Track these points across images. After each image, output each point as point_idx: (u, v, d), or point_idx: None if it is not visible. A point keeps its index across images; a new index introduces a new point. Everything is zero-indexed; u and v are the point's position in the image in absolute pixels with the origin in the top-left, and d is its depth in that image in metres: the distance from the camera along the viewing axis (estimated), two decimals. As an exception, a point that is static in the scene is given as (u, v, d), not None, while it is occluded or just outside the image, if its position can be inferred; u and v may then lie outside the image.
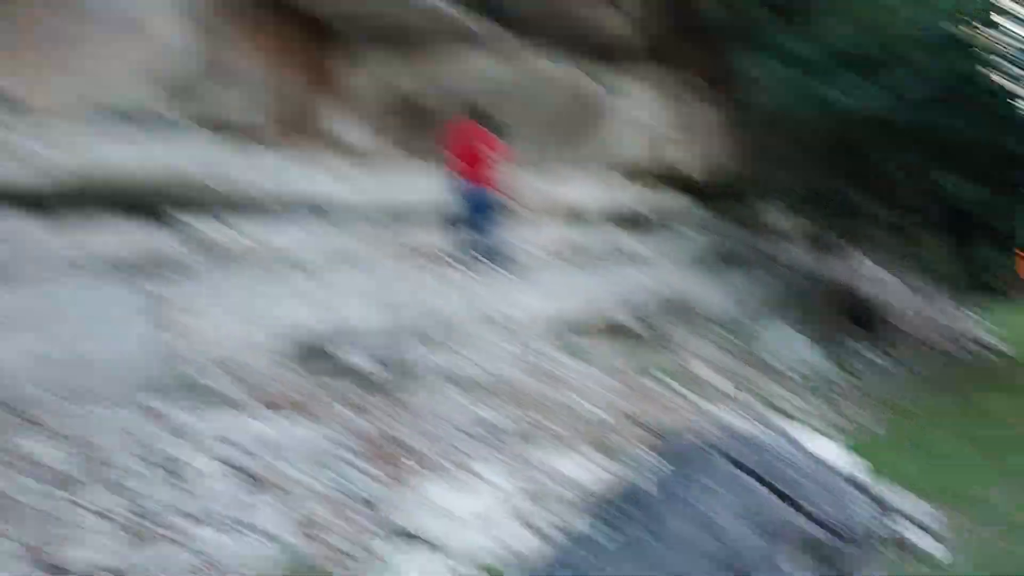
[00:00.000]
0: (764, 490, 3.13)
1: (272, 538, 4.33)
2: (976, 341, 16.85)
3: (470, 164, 8.86)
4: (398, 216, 8.60)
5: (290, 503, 4.70)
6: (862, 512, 3.59)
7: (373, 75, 8.72)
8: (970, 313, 22.70)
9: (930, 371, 13.05)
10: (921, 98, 9.23)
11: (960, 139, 10.22)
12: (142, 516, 4.26)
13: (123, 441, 4.83)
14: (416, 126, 9.35)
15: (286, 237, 7.37)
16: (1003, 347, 16.42)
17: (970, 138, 10.17)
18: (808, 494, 3.27)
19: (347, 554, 4.37)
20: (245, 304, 6.41)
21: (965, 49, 9.76)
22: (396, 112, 9.06)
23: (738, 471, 3.21)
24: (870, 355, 13.28)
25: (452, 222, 8.83)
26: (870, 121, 10.10)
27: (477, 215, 8.92)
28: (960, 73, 9.28)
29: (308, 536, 4.46)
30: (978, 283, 25.01)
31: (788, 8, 10.99)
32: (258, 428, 5.34)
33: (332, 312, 6.74)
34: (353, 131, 8.70)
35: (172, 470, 4.71)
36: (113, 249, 6.13)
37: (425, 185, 8.98)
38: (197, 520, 4.35)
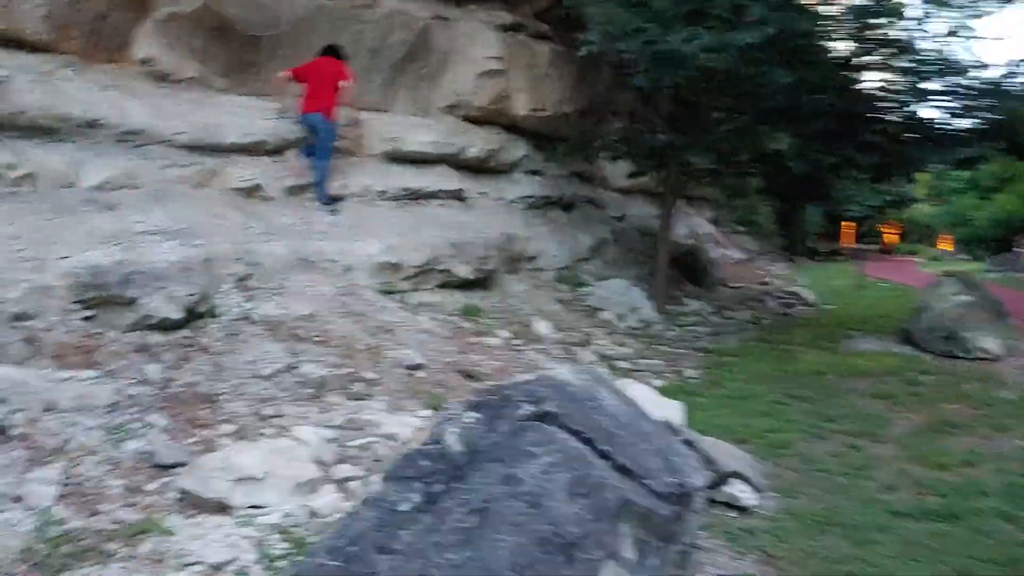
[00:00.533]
0: (586, 449, 2.84)
1: (31, 509, 3.76)
2: (792, 295, 17.56)
3: (319, 95, 8.70)
4: (214, 149, 7.92)
5: (61, 468, 4.12)
6: (687, 468, 3.36)
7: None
8: (792, 271, 23.87)
9: (749, 321, 13.47)
10: (757, 53, 9.23)
11: (796, 103, 10.40)
12: None
13: None
14: (239, 54, 8.69)
15: (82, 167, 6.59)
16: (812, 300, 17.23)
17: (807, 103, 10.36)
18: (635, 454, 3.02)
19: (125, 524, 3.85)
20: (28, 240, 5.65)
21: (801, 7, 9.87)
22: (217, 38, 8.31)
23: (559, 429, 2.90)
24: (697, 306, 13.59)
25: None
26: (708, 73, 10.12)
27: (318, 147, 8.74)
28: (797, 30, 9.35)
29: (78, 506, 3.91)
30: (801, 247, 26.45)
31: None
32: (34, 382, 4.68)
33: (130, 251, 6.08)
34: (169, 56, 7.90)
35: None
36: None
37: (246, 117, 8.37)
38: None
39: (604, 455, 2.89)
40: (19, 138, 6.27)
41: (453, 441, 2.97)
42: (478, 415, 3.10)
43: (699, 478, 3.55)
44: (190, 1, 7.95)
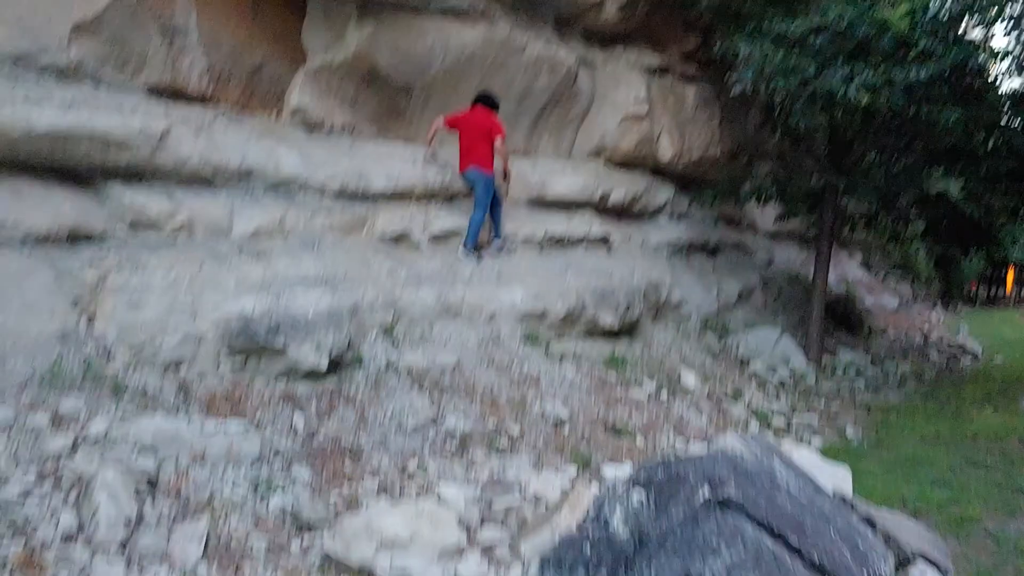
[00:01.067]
0: (776, 545, 2.48)
1: (178, 568, 3.66)
2: (956, 346, 16.40)
3: (474, 149, 8.72)
4: (363, 196, 7.94)
5: (206, 523, 4.02)
6: (874, 555, 2.95)
7: (346, 45, 8.02)
8: (952, 319, 22.44)
9: (912, 375, 12.60)
10: (924, 91, 8.66)
11: (967, 142, 9.73)
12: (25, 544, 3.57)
13: (10, 445, 4.12)
14: (389, 101, 8.75)
15: (236, 215, 6.67)
16: (978, 351, 16.03)
17: (979, 142, 9.69)
18: (825, 545, 2.63)
19: (268, 588, 3.70)
20: (179, 288, 5.71)
21: (967, 42, 9.21)
22: (368, 86, 8.38)
23: (743, 520, 2.55)
24: (852, 357, 12.81)
25: (482, 208, 8.70)
26: (868, 113, 9.58)
27: (476, 200, 8.73)
28: (970, 66, 8.71)
29: (223, 566, 3.78)
30: (960, 292, 24.92)
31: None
32: (185, 432, 4.65)
33: (279, 299, 6.06)
34: (320, 104, 8.00)
35: (71, 487, 4.01)
36: (34, 221, 5.39)
37: (394, 164, 8.36)
38: (88, 546, 3.67)
39: (794, 550, 2.52)
40: (178, 187, 6.39)
41: (618, 525, 2.66)
42: (645, 494, 2.78)
43: (886, 567, 3.13)
44: (342, 51, 8.04)
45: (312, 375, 5.94)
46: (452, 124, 8.77)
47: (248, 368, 5.74)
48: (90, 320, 5.36)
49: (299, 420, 5.44)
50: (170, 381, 5.27)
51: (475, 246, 8.70)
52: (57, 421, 4.45)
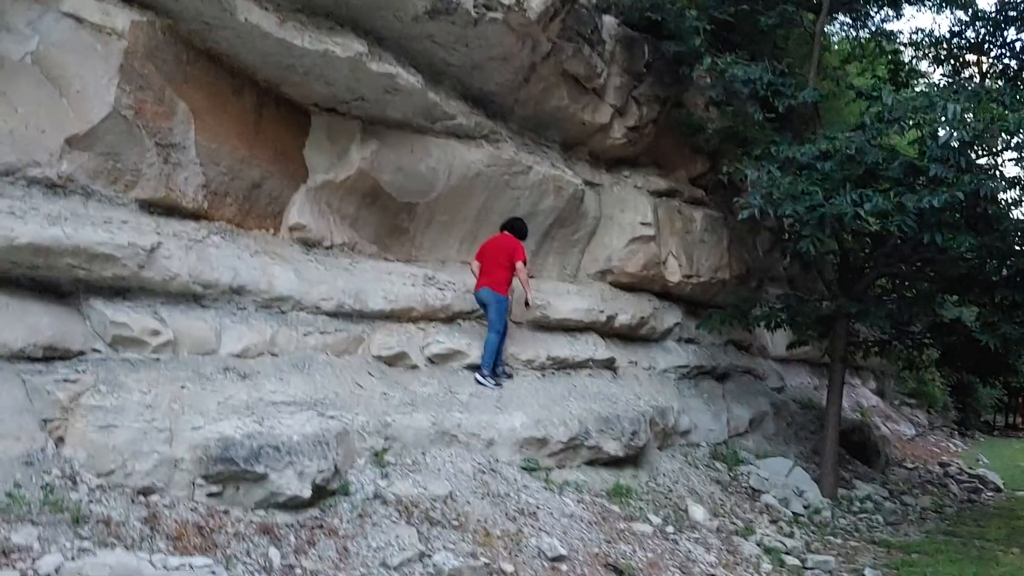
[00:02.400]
0: None
1: None
2: (976, 478, 15.82)
3: (489, 270, 8.64)
4: (359, 316, 7.76)
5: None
6: None
7: (349, 163, 7.97)
8: (970, 447, 21.84)
9: (932, 509, 12.05)
10: (935, 217, 8.52)
11: (981, 269, 9.57)
12: None
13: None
14: (391, 220, 8.71)
15: (224, 333, 6.44)
16: (1000, 484, 15.44)
17: (993, 270, 9.54)
18: None
19: None
20: (157, 409, 5.43)
21: (979, 168, 9.13)
22: (370, 204, 8.31)
23: None
24: (869, 489, 12.29)
25: (496, 330, 8.56)
26: (879, 238, 9.43)
27: (489, 321, 8.61)
28: (977, 193, 8.58)
29: None
30: (977, 420, 24.45)
31: (790, 117, 10.48)
32: (146, 570, 4.27)
33: (263, 422, 5.78)
34: (319, 222, 7.89)
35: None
36: (8, 335, 5.16)
37: (393, 282, 8.21)
38: None
39: None
40: (165, 303, 6.17)
41: None
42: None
43: None
44: (345, 168, 7.97)
45: (294, 504, 5.58)
46: (479, 255, 8.80)
47: (225, 496, 5.40)
48: (59, 442, 5.06)
49: (275, 555, 5.06)
50: (138, 510, 4.92)
51: (493, 371, 8.50)
52: (6, 555, 4.10)
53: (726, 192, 12.26)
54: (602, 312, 10.52)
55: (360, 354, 7.65)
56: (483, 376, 8.34)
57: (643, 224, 11.00)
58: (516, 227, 9.00)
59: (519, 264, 8.61)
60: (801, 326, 11.74)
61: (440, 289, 8.64)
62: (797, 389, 15.62)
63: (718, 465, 10.65)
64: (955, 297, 11.33)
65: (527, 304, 8.95)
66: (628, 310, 10.98)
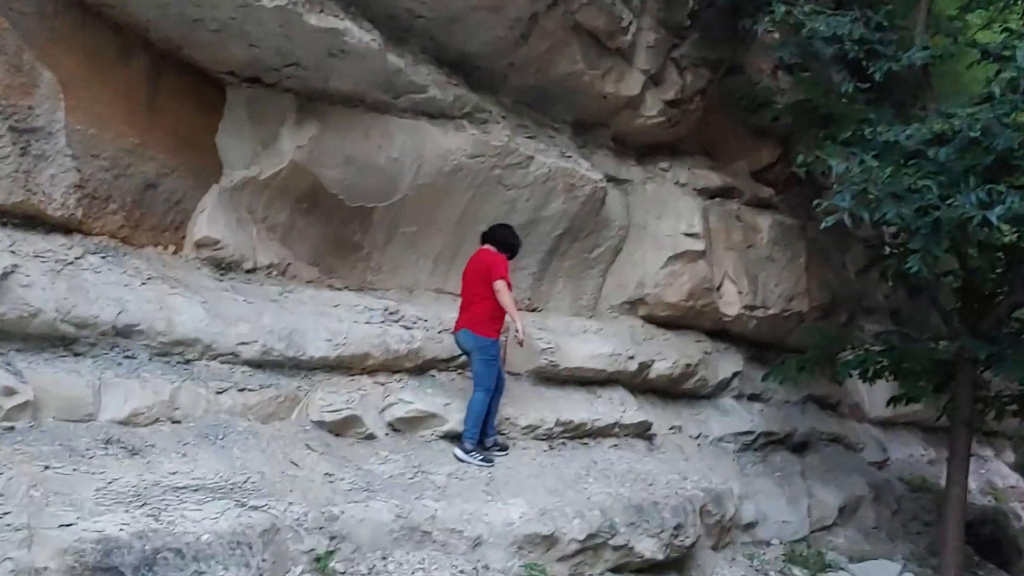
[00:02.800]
0: None
1: None
2: None
3: (465, 304, 8.73)
4: (294, 366, 7.84)
5: None
6: None
7: (279, 153, 8.03)
8: None
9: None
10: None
11: None
12: None
13: None
14: (338, 232, 8.80)
15: (105, 392, 6.47)
16: None
17: None
18: None
19: None
20: (11, 499, 5.42)
21: None
22: (309, 211, 8.36)
23: None
24: (1005, 604, 12.32)
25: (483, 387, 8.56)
26: (1012, 251, 9.47)
27: (473, 374, 8.68)
28: None
29: None
30: None
31: (890, 87, 10.53)
32: None
33: (160, 516, 5.79)
34: (238, 236, 7.94)
35: None
36: None
37: (342, 319, 8.31)
38: None
39: None
40: (23, 351, 6.18)
41: None
42: None
43: None
44: (273, 162, 8.04)
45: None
46: (463, 279, 8.91)
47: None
48: None
49: None
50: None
51: (480, 442, 8.54)
52: None
53: (803, 191, 12.34)
54: (632, 358, 10.57)
55: (295, 419, 7.69)
56: (467, 450, 8.37)
57: (688, 236, 11.08)
58: (497, 236, 9.00)
59: (498, 284, 8.49)
60: (910, 376, 11.75)
61: (406, 328, 8.71)
62: (905, 464, 15.65)
63: (796, 572, 10.68)
64: None
65: (519, 341, 8.75)
66: (668, 355, 11.04)
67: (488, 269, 8.59)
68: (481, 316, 8.56)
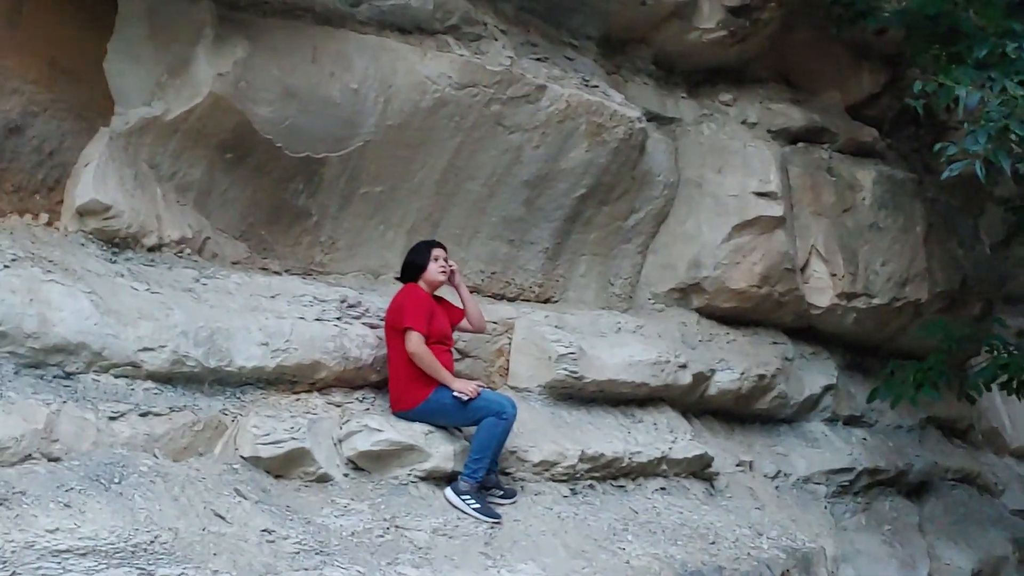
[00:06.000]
0: None
1: None
2: None
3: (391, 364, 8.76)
4: (216, 381, 7.88)
5: None
6: None
7: (192, 84, 8.03)
8: None
9: None
10: None
11: None
12: None
13: None
14: (273, 195, 8.85)
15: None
16: None
17: None
18: None
19: None
20: None
21: None
22: (233, 164, 8.39)
23: None
24: None
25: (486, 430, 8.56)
26: None
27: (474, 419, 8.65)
28: None
29: None
30: None
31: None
32: None
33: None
34: (136, 201, 7.95)
35: None
36: None
37: (282, 316, 8.35)
38: None
39: None
40: None
41: None
42: None
43: None
44: (184, 95, 8.03)
45: None
46: None
47: None
48: None
49: None
50: None
51: (480, 485, 8.53)
52: None
53: (919, 133, 12.34)
54: (684, 367, 10.61)
55: (220, 455, 7.67)
56: (462, 491, 8.37)
57: (761, 195, 11.08)
58: (407, 264, 9.02)
59: (410, 339, 8.41)
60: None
61: (371, 326, 8.78)
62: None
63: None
64: None
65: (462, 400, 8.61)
66: (735, 363, 11.10)
67: (397, 315, 8.62)
68: (402, 384, 8.64)
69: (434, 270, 8.79)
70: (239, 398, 7.90)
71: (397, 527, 7.91)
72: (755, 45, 11.29)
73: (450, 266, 8.84)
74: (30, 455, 6.66)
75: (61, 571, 6.00)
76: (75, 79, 7.67)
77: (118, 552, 6.37)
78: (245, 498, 7.41)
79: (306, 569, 7.15)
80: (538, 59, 9.65)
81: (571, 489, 9.33)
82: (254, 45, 8.17)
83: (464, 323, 9.10)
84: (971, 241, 13.41)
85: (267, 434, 7.83)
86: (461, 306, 9.05)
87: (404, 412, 8.58)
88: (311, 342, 8.27)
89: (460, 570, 7.78)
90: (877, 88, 12.69)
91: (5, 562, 5.89)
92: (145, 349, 7.40)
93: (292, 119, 8.44)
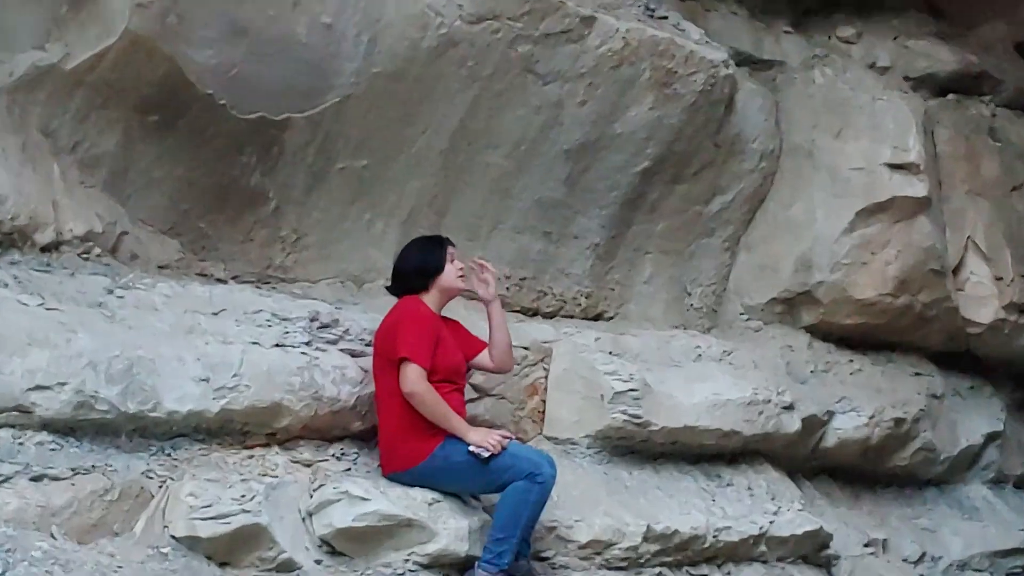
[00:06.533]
0: None
1: None
2: None
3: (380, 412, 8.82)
4: (135, 431, 7.88)
5: None
6: None
7: (102, 18, 8.08)
8: None
9: None
10: None
11: None
12: None
13: None
14: (217, 172, 8.89)
15: None
16: None
17: None
18: None
19: None
20: None
21: None
22: (162, 131, 8.43)
23: None
24: None
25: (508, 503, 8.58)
26: None
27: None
28: None
29: None
30: None
31: None
32: None
33: None
34: (24, 177, 7.99)
35: None
36: None
37: (230, 338, 8.37)
38: None
39: None
40: None
41: None
42: None
43: None
44: (90, 36, 8.07)
45: None
46: None
47: None
48: None
49: None
50: None
51: (507, 574, 8.49)
52: None
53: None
54: (790, 408, 10.62)
55: (142, 534, 7.69)
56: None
57: (896, 168, 11.08)
58: (395, 269, 9.08)
59: (407, 374, 8.38)
60: None
61: (353, 354, 8.87)
62: None
63: None
64: None
65: (482, 458, 8.61)
66: (861, 402, 11.08)
67: (390, 340, 8.61)
68: (397, 435, 8.66)
69: (452, 274, 8.77)
70: (169, 455, 7.90)
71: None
72: (887, -44, 11.37)
73: (481, 266, 8.87)
74: None
75: None
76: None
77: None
78: (179, 597, 7.45)
79: None
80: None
81: (634, 578, 9.35)
82: (190, -37, 8.22)
83: (482, 358, 9.05)
84: None
85: (208, 505, 7.82)
86: (473, 327, 8.97)
87: (400, 473, 8.60)
88: (269, 376, 8.27)
89: None
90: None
91: None
92: (38, 388, 7.39)
93: (241, 66, 8.46)
